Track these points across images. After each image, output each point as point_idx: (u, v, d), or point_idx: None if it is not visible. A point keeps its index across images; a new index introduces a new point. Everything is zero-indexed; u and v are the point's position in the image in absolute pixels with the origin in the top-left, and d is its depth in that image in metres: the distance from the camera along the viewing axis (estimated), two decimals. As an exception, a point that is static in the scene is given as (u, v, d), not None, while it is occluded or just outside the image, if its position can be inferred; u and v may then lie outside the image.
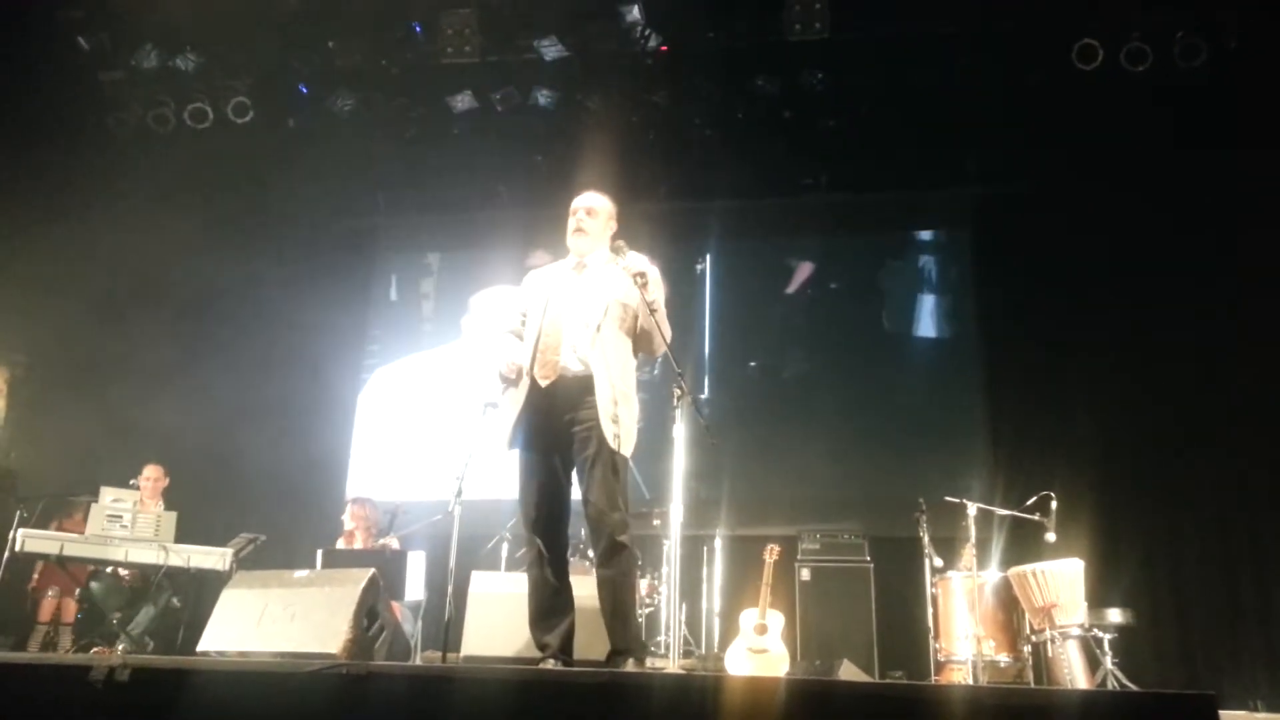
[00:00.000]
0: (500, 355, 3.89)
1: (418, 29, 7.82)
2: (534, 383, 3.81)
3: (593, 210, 4.06)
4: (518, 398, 3.83)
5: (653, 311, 3.76)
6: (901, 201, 8.72)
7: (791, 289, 8.72)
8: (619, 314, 3.84)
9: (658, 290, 3.87)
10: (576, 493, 3.92)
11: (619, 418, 3.72)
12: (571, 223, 4.06)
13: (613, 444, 3.68)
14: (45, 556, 6.02)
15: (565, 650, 3.70)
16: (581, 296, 3.90)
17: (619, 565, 3.74)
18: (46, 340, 7.91)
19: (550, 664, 3.59)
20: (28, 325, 7.84)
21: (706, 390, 8.41)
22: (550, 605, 3.74)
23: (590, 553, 6.86)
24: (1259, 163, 6.96)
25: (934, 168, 8.35)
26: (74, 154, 8.17)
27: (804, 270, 8.77)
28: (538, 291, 4.02)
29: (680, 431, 3.77)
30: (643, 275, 3.75)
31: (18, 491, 6.65)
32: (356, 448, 8.82)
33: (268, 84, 8.17)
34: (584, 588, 3.94)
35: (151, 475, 6.77)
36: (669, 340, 3.92)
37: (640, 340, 3.92)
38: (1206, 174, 7.27)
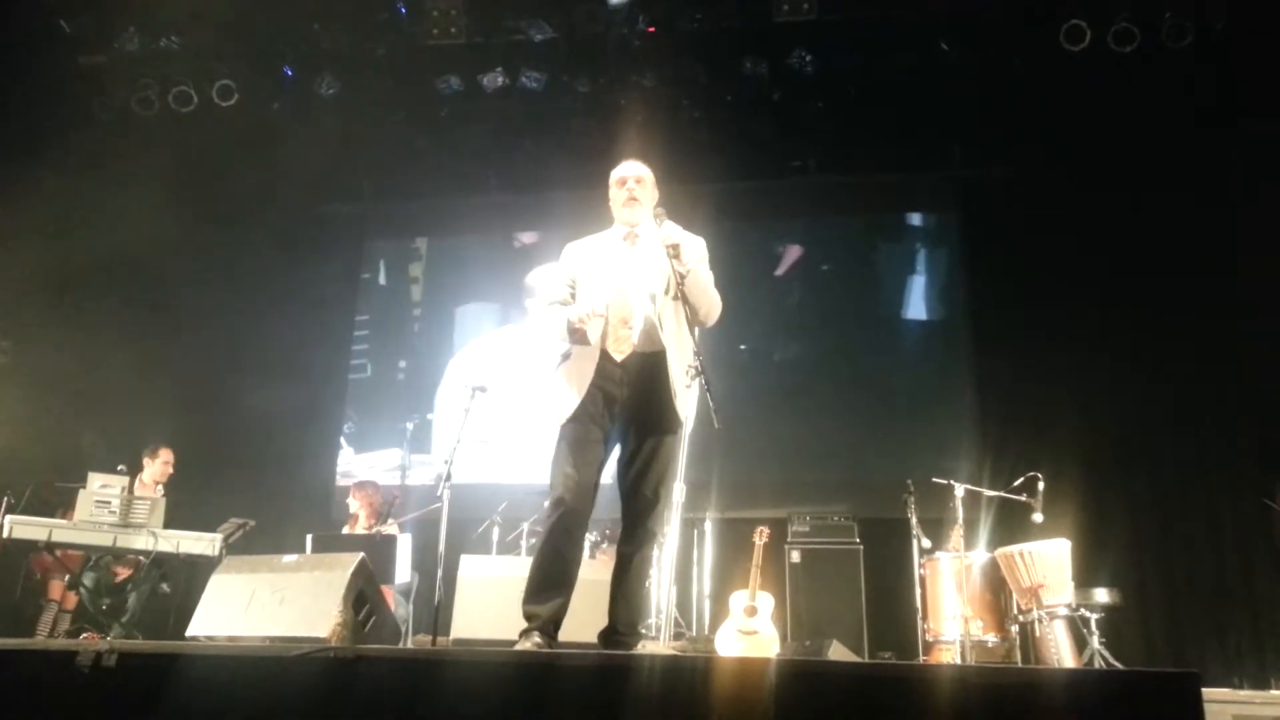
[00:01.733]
0: (565, 311, 3.71)
1: (403, 11, 7.76)
2: (607, 356, 3.67)
3: (641, 179, 3.94)
4: (585, 370, 3.66)
5: (681, 282, 3.65)
6: (890, 184, 8.72)
7: (780, 271, 8.72)
8: (678, 283, 3.71)
9: (694, 259, 3.76)
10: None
11: (685, 394, 3.65)
12: (622, 193, 3.91)
13: (683, 418, 3.63)
14: (34, 543, 6.00)
15: (555, 626, 3.57)
16: (643, 269, 3.78)
17: (645, 550, 3.73)
18: (31, 327, 7.86)
19: (536, 639, 3.47)
20: (11, 312, 7.78)
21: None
22: (556, 579, 3.60)
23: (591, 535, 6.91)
24: (1249, 144, 6.98)
25: (923, 150, 8.35)
26: (56, 138, 8.08)
27: (792, 253, 8.77)
28: (590, 264, 3.85)
29: (691, 411, 3.71)
30: (675, 247, 3.66)
31: (3, 479, 6.62)
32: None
33: (252, 67, 8.09)
34: (585, 570, 3.88)
35: (166, 458, 6.78)
36: (717, 310, 3.84)
37: (692, 311, 3.77)
38: (1195, 155, 7.29)
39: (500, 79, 7.95)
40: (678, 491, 3.57)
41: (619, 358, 3.68)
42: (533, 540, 6.94)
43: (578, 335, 3.69)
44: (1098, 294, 7.58)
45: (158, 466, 6.74)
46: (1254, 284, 6.91)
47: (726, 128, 8.32)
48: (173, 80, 8.05)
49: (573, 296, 3.85)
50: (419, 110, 8.40)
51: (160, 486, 6.75)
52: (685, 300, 3.71)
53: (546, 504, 3.74)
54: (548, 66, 7.91)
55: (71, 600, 6.67)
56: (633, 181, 3.92)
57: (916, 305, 8.48)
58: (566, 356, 3.78)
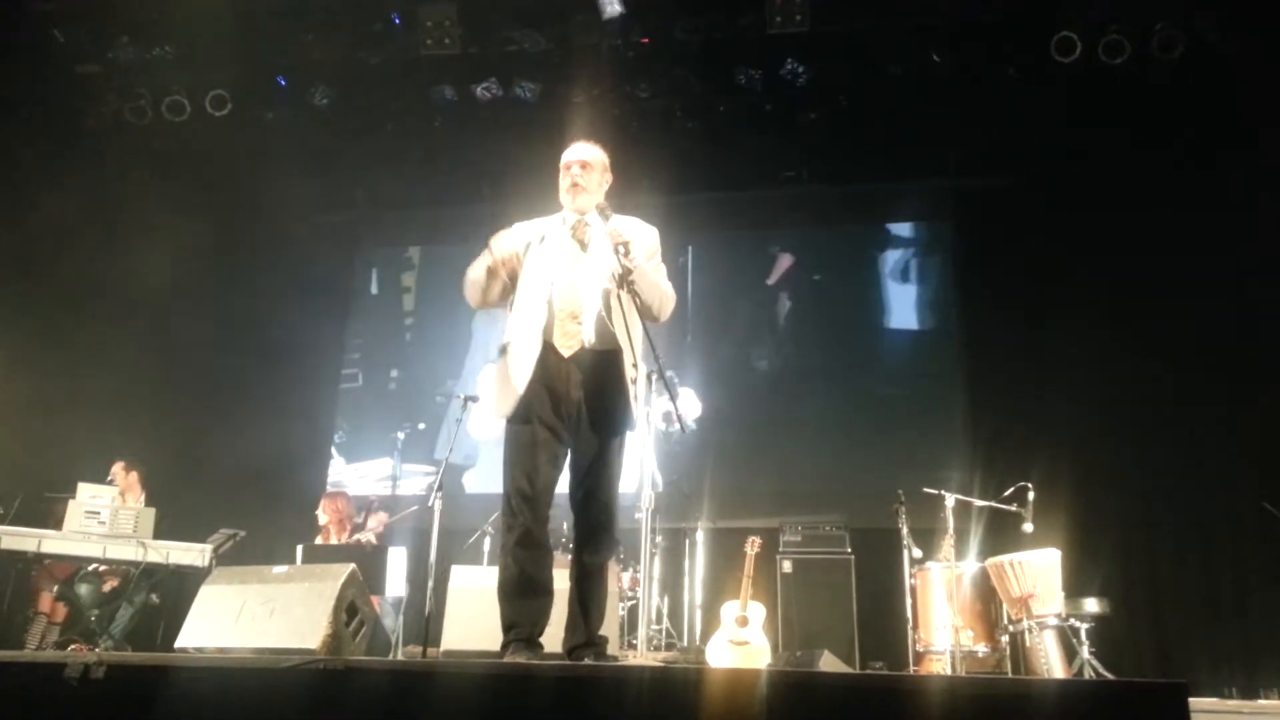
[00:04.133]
0: (483, 259, 3.59)
1: (397, 21, 7.77)
2: (552, 350, 3.51)
3: (588, 164, 3.75)
4: (525, 364, 3.49)
5: (630, 281, 3.48)
6: (882, 194, 8.76)
7: (772, 280, 8.74)
8: (627, 281, 3.53)
9: (644, 254, 3.62)
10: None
11: (636, 394, 3.53)
12: (565, 179, 3.74)
13: (635, 418, 3.52)
14: (23, 554, 5.98)
15: (538, 634, 3.47)
16: (591, 261, 3.63)
17: (609, 557, 3.63)
18: (20, 336, 7.83)
19: (523, 650, 3.38)
20: (2, 319, 7.76)
21: (689, 381, 8.43)
22: (534, 584, 3.49)
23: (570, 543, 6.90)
24: (1243, 152, 7.02)
25: (914, 160, 8.40)
26: (49, 147, 8.08)
27: (783, 261, 8.80)
28: (536, 249, 3.68)
29: (652, 415, 3.64)
30: (625, 245, 3.50)
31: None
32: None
33: (246, 76, 8.09)
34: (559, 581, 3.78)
35: (114, 471, 6.74)
36: (670, 304, 3.70)
37: (643, 306, 3.61)
38: (1185, 165, 7.34)
39: (494, 89, 7.96)
40: (648, 499, 3.49)
41: (567, 354, 3.54)
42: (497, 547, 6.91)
43: (496, 271, 3.58)
44: (1089, 304, 7.61)
45: (119, 482, 6.71)
46: (1247, 294, 6.95)
47: (720, 138, 8.34)
48: (166, 89, 8.04)
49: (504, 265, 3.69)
50: (412, 120, 8.40)
51: (131, 498, 6.71)
52: (636, 296, 3.55)
53: (502, 515, 3.60)
54: (541, 77, 7.92)
55: (61, 612, 6.64)
56: (577, 167, 3.74)
57: (908, 315, 8.51)
58: (505, 350, 3.62)
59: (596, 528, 3.57)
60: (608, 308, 3.57)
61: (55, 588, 6.49)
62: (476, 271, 3.69)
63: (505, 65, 7.89)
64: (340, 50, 7.87)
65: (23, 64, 7.79)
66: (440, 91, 8.04)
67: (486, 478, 7.95)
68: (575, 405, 3.54)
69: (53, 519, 6.48)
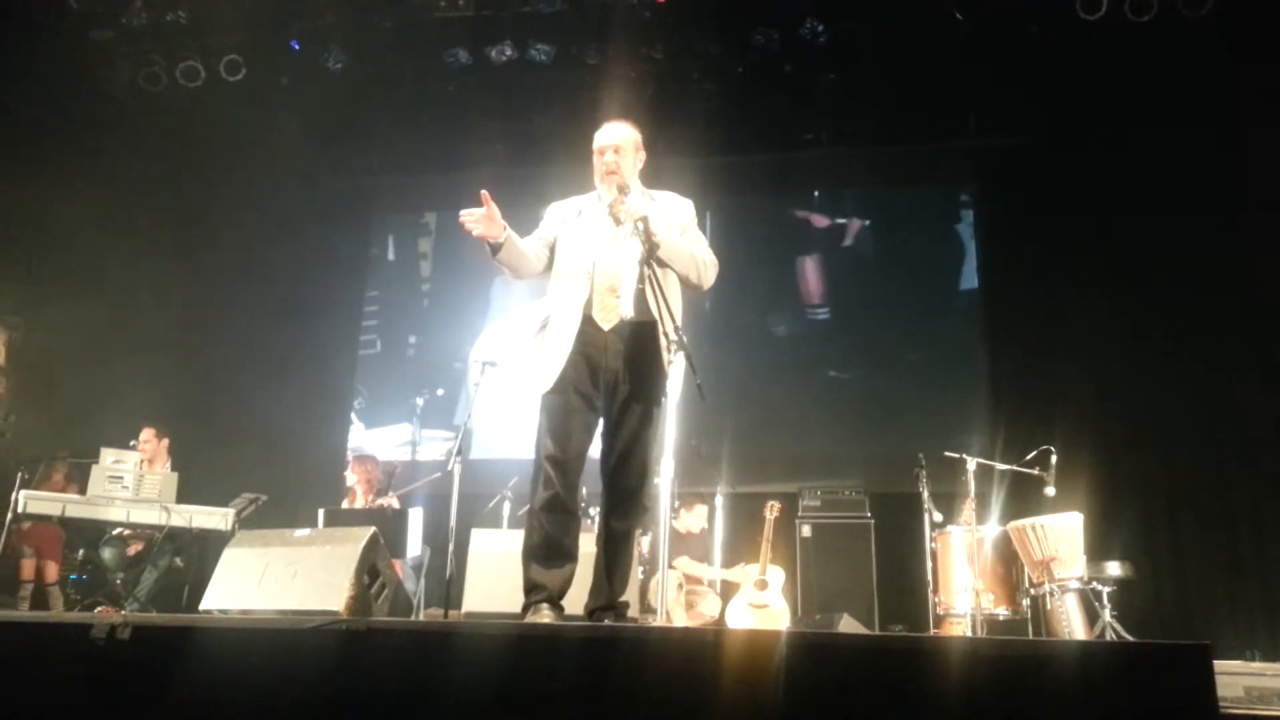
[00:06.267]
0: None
1: (411, -17, 7.69)
2: (591, 323, 3.62)
3: (620, 147, 3.82)
4: (564, 337, 3.61)
5: (655, 254, 3.54)
6: (903, 155, 8.63)
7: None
8: (650, 254, 3.60)
9: (675, 224, 3.70)
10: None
11: (671, 366, 3.58)
12: (600, 165, 3.82)
13: (669, 393, 3.56)
14: (47, 518, 6.06)
15: (559, 597, 3.56)
16: (625, 237, 3.67)
17: (637, 524, 3.72)
18: (43, 302, 7.88)
19: (545, 611, 3.47)
20: (23, 287, 7.81)
21: (707, 348, 8.39)
22: (560, 548, 3.59)
23: (590, 509, 6.91)
24: (1269, 114, 6.88)
25: (937, 122, 8.26)
26: (64, 114, 8.07)
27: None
28: (573, 227, 3.82)
29: (675, 385, 3.65)
30: (643, 221, 3.54)
31: (19, 455, 6.66)
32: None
33: (259, 41, 8.04)
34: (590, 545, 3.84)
35: (145, 437, 6.78)
36: (711, 270, 3.78)
37: (680, 278, 3.73)
38: (1210, 125, 7.19)
39: (508, 52, 7.87)
40: (667, 467, 3.51)
41: (607, 326, 3.62)
42: (520, 512, 6.90)
43: (487, 239, 3.70)
44: (1112, 267, 7.51)
45: (142, 446, 6.75)
46: (1272, 259, 6.83)
47: (737, 100, 8.24)
48: (180, 55, 8.00)
49: (550, 253, 3.82)
50: (427, 84, 8.34)
51: (159, 465, 6.76)
52: (667, 267, 3.63)
53: (533, 479, 3.66)
54: (556, 39, 7.82)
55: (52, 575, 6.67)
56: (610, 153, 3.81)
57: (930, 278, 8.42)
58: (544, 324, 3.71)
59: (628, 494, 3.66)
60: (644, 281, 3.61)
61: (80, 552, 6.57)
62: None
63: (519, 27, 7.80)
64: (353, 13, 7.80)
65: (37, 31, 7.76)
66: (454, 54, 7.96)
67: (505, 443, 7.98)
68: (613, 374, 3.63)
69: (48, 483, 6.54)
